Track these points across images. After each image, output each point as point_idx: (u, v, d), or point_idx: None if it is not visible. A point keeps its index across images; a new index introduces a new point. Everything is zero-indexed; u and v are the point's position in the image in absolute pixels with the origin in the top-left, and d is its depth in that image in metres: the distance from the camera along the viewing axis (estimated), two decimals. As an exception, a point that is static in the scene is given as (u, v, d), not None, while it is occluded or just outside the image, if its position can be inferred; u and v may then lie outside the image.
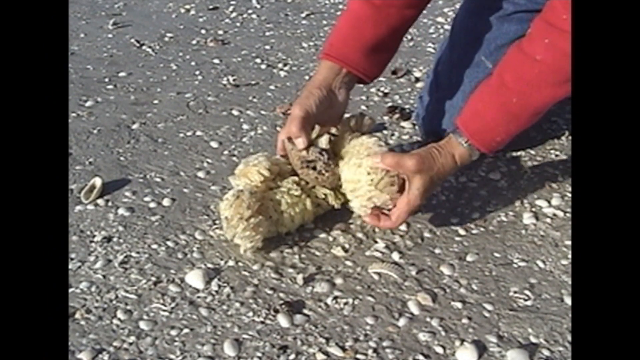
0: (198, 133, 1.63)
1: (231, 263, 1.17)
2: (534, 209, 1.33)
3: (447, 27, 2.25)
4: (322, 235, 1.25)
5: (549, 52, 1.05)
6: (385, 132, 1.63)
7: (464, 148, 1.14)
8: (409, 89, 1.88)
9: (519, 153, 1.52)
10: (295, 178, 1.23)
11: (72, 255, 1.19)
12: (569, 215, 1.31)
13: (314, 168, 1.19)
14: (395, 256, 1.19)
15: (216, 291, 1.11)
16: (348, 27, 1.25)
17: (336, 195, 1.24)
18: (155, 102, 1.80)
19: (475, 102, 1.16)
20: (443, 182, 1.19)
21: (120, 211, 1.32)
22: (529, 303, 1.09)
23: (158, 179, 1.43)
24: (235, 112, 1.74)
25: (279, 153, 1.25)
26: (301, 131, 1.16)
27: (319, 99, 1.19)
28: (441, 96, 1.47)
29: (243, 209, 1.13)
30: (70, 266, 1.16)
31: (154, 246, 1.22)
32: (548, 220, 1.30)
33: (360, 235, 1.25)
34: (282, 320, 1.04)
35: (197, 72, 1.99)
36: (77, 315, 1.06)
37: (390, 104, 1.76)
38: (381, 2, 1.22)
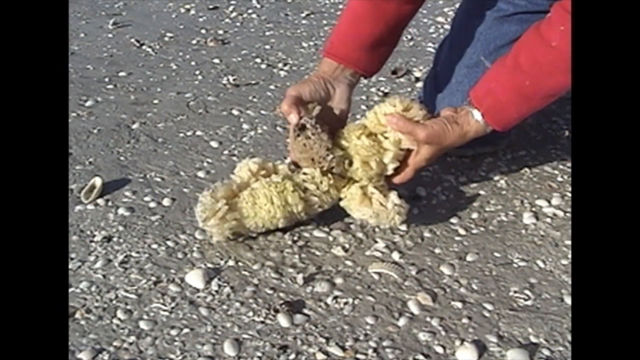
0: (198, 133, 1.63)
1: (231, 263, 1.17)
2: (534, 209, 1.33)
3: (447, 27, 2.25)
4: (322, 235, 1.24)
5: (564, 39, 1.05)
6: (385, 132, 1.63)
7: (478, 122, 1.17)
8: (409, 89, 1.88)
9: (519, 153, 1.52)
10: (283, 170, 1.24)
11: (72, 255, 1.19)
12: (569, 215, 1.31)
13: (304, 131, 1.17)
14: (395, 256, 1.19)
15: (216, 291, 1.11)
16: (347, 24, 1.27)
17: (323, 175, 1.20)
18: (155, 102, 1.80)
19: (489, 80, 1.18)
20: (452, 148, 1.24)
21: (120, 211, 1.32)
22: (529, 303, 1.09)
23: (158, 179, 1.43)
24: (235, 112, 1.74)
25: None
26: (291, 107, 1.18)
27: (314, 85, 1.22)
28: (440, 96, 1.47)
29: (215, 197, 1.16)
30: (70, 266, 1.16)
31: (154, 246, 1.22)
32: (548, 220, 1.30)
33: (360, 235, 1.25)
34: (282, 320, 1.04)
35: (197, 72, 1.99)
36: (77, 315, 1.06)
37: (390, 104, 1.76)
38: None
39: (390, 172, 1.22)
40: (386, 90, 1.85)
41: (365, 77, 1.31)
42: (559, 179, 1.43)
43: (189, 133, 1.63)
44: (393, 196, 1.19)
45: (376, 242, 1.23)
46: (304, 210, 1.20)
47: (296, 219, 1.22)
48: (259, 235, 1.23)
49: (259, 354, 0.99)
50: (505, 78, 1.16)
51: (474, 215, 1.31)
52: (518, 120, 1.19)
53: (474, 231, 1.27)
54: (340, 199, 1.22)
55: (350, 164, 1.21)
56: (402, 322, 1.05)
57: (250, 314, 1.06)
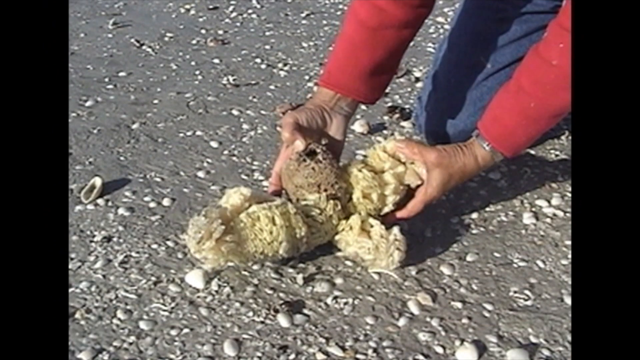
0: (198, 133, 1.63)
1: (231, 263, 1.17)
2: (534, 209, 1.33)
3: (447, 27, 2.25)
4: (322, 235, 1.24)
5: (564, 56, 1.04)
6: (385, 132, 1.63)
7: (486, 151, 1.16)
8: (409, 89, 1.88)
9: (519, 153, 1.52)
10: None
11: (72, 255, 1.19)
12: (569, 215, 1.31)
13: (312, 157, 1.13)
14: (395, 256, 1.19)
15: (216, 291, 1.11)
16: (344, 53, 1.22)
17: (327, 199, 1.13)
18: (155, 102, 1.80)
19: (494, 107, 1.17)
20: (464, 181, 1.21)
21: (120, 211, 1.32)
22: (529, 303, 1.09)
23: (158, 179, 1.43)
24: (235, 112, 1.74)
25: (271, 185, 1.21)
26: (294, 133, 1.14)
27: (311, 112, 1.18)
28: (440, 97, 1.47)
29: (210, 217, 1.05)
30: (70, 266, 1.16)
31: (154, 246, 1.22)
32: (548, 220, 1.30)
33: (360, 235, 1.25)
34: (282, 320, 1.04)
35: (197, 72, 1.99)
36: (77, 315, 1.06)
37: (390, 104, 1.76)
38: (377, 25, 1.18)
39: (390, 207, 1.17)
40: (386, 91, 1.84)
41: (365, 104, 1.28)
42: (559, 179, 1.43)
43: (189, 133, 1.63)
44: (395, 230, 1.12)
45: (376, 242, 1.23)
46: (307, 236, 1.10)
47: (297, 247, 1.11)
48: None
49: (259, 354, 0.99)
50: (510, 103, 1.15)
51: (474, 215, 1.31)
52: (527, 144, 1.19)
53: (474, 231, 1.27)
54: (336, 233, 1.15)
55: (350, 199, 1.16)
56: (402, 322, 1.05)
57: (250, 314, 1.06)
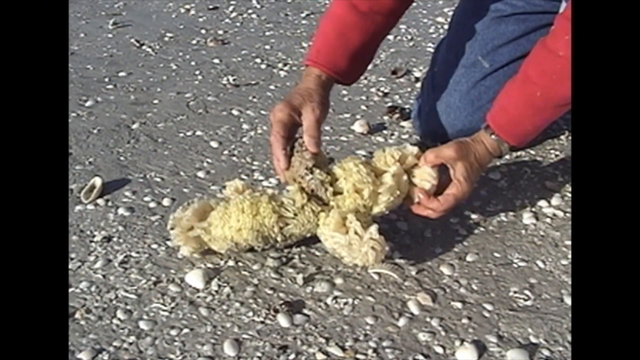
0: (198, 133, 1.63)
1: (231, 263, 1.17)
2: (534, 209, 1.33)
3: (447, 27, 2.26)
4: (322, 235, 1.24)
5: (569, 48, 1.06)
6: (385, 132, 1.63)
7: (493, 140, 1.18)
8: (409, 89, 1.88)
9: (519, 153, 1.52)
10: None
11: (72, 255, 1.19)
12: (569, 215, 1.31)
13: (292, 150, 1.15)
14: (395, 256, 1.19)
15: (216, 291, 1.11)
16: (335, 33, 1.24)
17: (301, 192, 1.13)
18: (155, 102, 1.80)
19: (501, 98, 1.20)
20: (483, 170, 1.22)
21: (120, 211, 1.32)
22: (529, 303, 1.09)
23: (158, 179, 1.43)
24: (235, 112, 1.74)
25: (276, 152, 1.19)
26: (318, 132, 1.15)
27: (324, 100, 1.20)
28: (438, 96, 1.47)
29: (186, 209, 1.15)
30: (70, 266, 1.16)
31: (154, 246, 1.22)
32: (548, 220, 1.30)
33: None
34: (282, 320, 1.04)
35: (197, 72, 1.99)
36: (77, 315, 1.06)
37: (390, 104, 1.76)
38: (367, 9, 1.23)
39: (381, 207, 1.13)
40: (386, 91, 1.85)
41: (343, 84, 1.30)
42: (559, 179, 1.43)
43: (189, 133, 1.63)
44: (372, 229, 1.08)
45: (376, 242, 1.23)
46: (277, 225, 1.11)
47: (269, 236, 1.12)
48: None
49: (259, 354, 0.99)
50: (516, 92, 1.18)
51: (474, 215, 1.31)
52: (534, 133, 1.21)
53: (474, 231, 1.27)
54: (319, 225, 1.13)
55: (335, 194, 1.13)
56: (402, 322, 1.05)
57: (250, 314, 1.06)
